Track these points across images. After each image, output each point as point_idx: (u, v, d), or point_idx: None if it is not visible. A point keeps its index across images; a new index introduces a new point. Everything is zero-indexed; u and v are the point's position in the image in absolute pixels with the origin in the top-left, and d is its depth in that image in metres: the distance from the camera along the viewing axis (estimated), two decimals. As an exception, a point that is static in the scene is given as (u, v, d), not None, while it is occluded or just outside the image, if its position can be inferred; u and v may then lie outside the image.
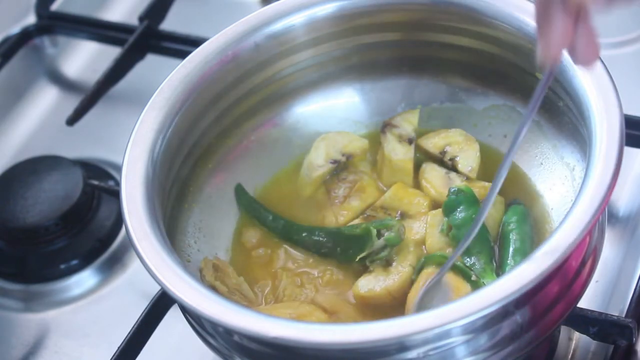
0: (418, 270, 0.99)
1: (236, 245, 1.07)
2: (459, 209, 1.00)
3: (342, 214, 1.05)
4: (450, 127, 1.09)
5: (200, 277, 1.01)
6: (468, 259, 0.98)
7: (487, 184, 1.04)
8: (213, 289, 0.99)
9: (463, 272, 0.97)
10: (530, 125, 0.86)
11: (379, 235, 0.99)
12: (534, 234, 1.00)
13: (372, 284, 0.99)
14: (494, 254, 0.99)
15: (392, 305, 0.98)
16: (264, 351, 0.89)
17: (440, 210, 1.02)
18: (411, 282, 0.98)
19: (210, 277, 1.00)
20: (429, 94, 1.11)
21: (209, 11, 1.48)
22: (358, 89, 1.13)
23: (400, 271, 0.99)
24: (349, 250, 1.01)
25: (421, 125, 1.10)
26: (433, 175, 1.06)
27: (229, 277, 1.01)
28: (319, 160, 1.08)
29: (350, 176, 1.08)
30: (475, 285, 0.96)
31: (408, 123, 1.09)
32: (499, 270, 0.98)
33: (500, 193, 1.03)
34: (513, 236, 0.99)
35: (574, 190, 1.00)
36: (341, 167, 1.08)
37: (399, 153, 1.07)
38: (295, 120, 1.12)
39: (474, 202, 1.00)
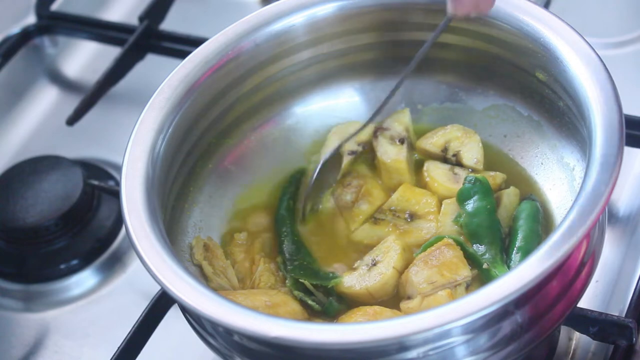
0: (424, 248, 0.99)
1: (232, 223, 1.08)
2: (473, 198, 1.00)
3: (355, 219, 1.05)
4: (450, 128, 1.09)
5: (189, 254, 1.01)
6: (479, 248, 0.98)
7: (493, 173, 1.05)
8: (199, 267, 1.00)
9: (475, 260, 0.97)
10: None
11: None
12: (543, 231, 1.00)
13: (354, 281, 0.99)
14: (504, 245, 0.99)
15: (372, 304, 0.98)
16: (264, 351, 0.89)
17: (454, 199, 1.02)
18: (394, 283, 0.98)
19: (200, 255, 1.01)
20: (429, 94, 1.11)
21: (209, 11, 1.48)
22: (358, 89, 1.13)
23: (382, 272, 0.99)
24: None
25: (420, 124, 1.10)
26: (438, 172, 1.06)
27: (217, 259, 1.02)
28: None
29: (354, 181, 1.08)
30: (487, 274, 0.97)
31: (398, 123, 1.09)
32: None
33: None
34: (520, 233, 0.98)
35: (574, 190, 1.00)
36: (358, 157, 1.09)
37: (391, 155, 1.07)
38: (295, 120, 1.13)
39: (489, 193, 1.01)
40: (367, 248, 1.03)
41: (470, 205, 1.01)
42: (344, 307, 0.99)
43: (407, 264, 0.99)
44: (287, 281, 1.02)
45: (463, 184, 1.02)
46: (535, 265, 0.83)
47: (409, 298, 0.96)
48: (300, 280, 1.01)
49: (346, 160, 1.08)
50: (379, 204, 1.06)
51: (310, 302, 0.99)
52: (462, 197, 1.02)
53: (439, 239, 0.99)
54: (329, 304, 0.99)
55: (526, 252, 0.97)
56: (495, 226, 0.99)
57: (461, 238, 1.00)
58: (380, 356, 0.85)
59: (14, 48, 1.44)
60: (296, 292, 1.00)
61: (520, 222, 0.99)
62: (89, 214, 1.24)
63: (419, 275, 0.96)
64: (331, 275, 1.01)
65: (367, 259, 1.01)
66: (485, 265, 0.97)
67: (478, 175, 1.02)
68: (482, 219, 1.00)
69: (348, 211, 1.06)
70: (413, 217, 1.04)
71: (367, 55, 1.11)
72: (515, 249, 0.98)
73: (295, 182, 1.09)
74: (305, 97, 1.12)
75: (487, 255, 0.98)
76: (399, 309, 0.97)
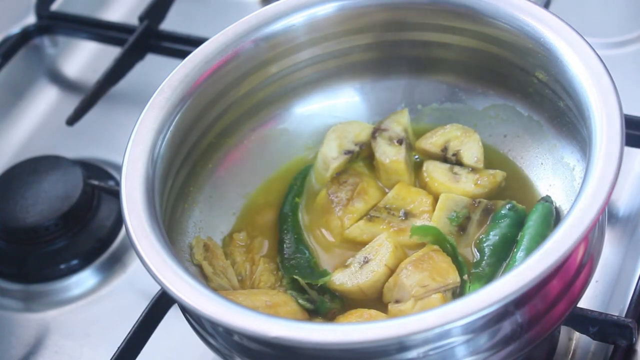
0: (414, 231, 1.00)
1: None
2: (502, 221, 1.00)
3: (348, 217, 1.05)
4: (450, 128, 1.09)
5: (189, 254, 1.02)
6: (478, 255, 0.98)
7: (493, 171, 1.05)
8: (199, 267, 1.01)
9: (459, 268, 0.97)
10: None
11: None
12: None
13: (346, 279, 1.00)
14: (504, 266, 0.99)
15: (364, 301, 0.99)
16: (264, 351, 0.89)
17: (452, 195, 1.02)
18: (386, 281, 0.98)
19: (199, 255, 1.02)
20: (429, 94, 1.11)
21: (209, 11, 1.48)
22: (358, 89, 1.13)
23: (374, 270, 0.99)
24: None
25: (420, 124, 1.10)
26: (437, 172, 1.06)
27: (217, 259, 1.02)
28: (332, 152, 1.08)
29: (351, 179, 1.08)
30: (463, 285, 0.96)
31: (397, 124, 1.09)
32: (508, 266, 0.98)
33: (500, 194, 1.04)
34: (527, 235, 0.98)
35: (574, 190, 1.00)
36: (354, 157, 1.09)
37: (389, 155, 1.07)
38: (295, 120, 1.13)
39: (518, 225, 1.00)
40: (361, 245, 1.03)
41: (495, 225, 1.00)
42: (337, 306, 0.99)
43: (399, 262, 0.99)
44: (283, 280, 1.02)
45: (501, 206, 1.02)
46: (535, 265, 0.83)
47: (397, 302, 0.96)
48: (294, 277, 1.01)
49: (341, 159, 1.08)
50: (374, 203, 1.06)
51: (301, 301, 0.99)
52: (495, 217, 1.01)
53: (432, 229, 0.99)
54: (321, 302, 0.99)
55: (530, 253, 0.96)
56: (503, 254, 0.99)
57: (452, 239, 0.99)
58: (380, 356, 0.85)
59: (14, 48, 1.44)
60: (290, 292, 1.00)
61: (530, 223, 0.99)
62: (89, 214, 1.24)
63: (410, 279, 0.96)
64: (323, 272, 1.01)
65: (359, 256, 1.01)
66: (465, 277, 0.97)
67: (519, 206, 1.01)
68: (497, 242, 0.99)
69: (343, 208, 1.06)
70: (408, 215, 1.04)
71: (367, 55, 1.11)
72: (520, 250, 0.98)
73: (300, 180, 1.09)
74: (305, 97, 1.12)
75: (478, 268, 0.98)
76: (385, 312, 0.97)
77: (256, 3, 1.46)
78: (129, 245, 1.21)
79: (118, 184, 0.96)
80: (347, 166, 1.09)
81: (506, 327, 0.87)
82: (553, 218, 0.99)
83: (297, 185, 1.09)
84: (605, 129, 0.90)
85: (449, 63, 1.09)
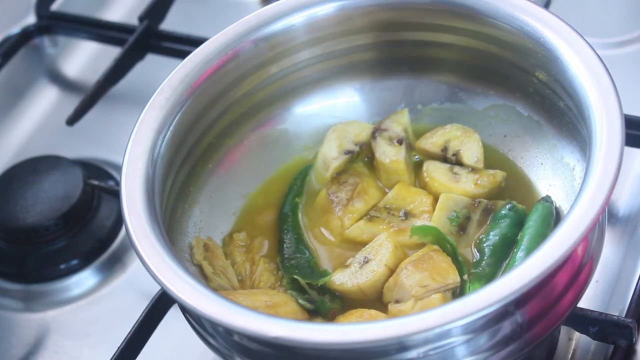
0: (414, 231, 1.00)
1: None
2: (503, 221, 1.00)
3: (348, 217, 1.05)
4: (450, 128, 1.09)
5: (189, 254, 1.02)
6: (478, 255, 0.98)
7: (493, 171, 1.05)
8: (199, 267, 1.01)
9: (459, 268, 0.97)
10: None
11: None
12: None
13: (346, 279, 1.00)
14: (504, 266, 0.99)
15: (364, 301, 0.99)
16: (264, 351, 0.89)
17: (452, 195, 1.02)
18: (386, 281, 0.98)
19: (199, 255, 1.02)
20: (429, 94, 1.11)
21: (209, 11, 1.48)
22: (358, 89, 1.13)
23: (374, 270, 0.99)
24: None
25: (420, 124, 1.10)
26: (437, 172, 1.06)
27: (217, 259, 1.02)
28: (332, 152, 1.08)
29: (351, 179, 1.08)
30: (463, 285, 0.96)
31: (397, 124, 1.09)
32: (508, 266, 0.98)
33: (500, 194, 1.04)
34: (527, 235, 0.98)
35: (574, 190, 1.00)
36: (354, 157, 1.09)
37: (389, 155, 1.07)
38: (295, 120, 1.13)
39: (518, 225, 1.00)
40: (361, 245, 1.03)
41: (495, 225, 1.01)
42: (337, 306, 0.99)
43: (399, 262, 0.99)
44: (283, 280, 1.02)
45: (502, 207, 1.02)
46: (535, 265, 0.83)
47: (397, 302, 0.96)
48: (295, 277, 1.01)
49: (341, 159, 1.08)
50: (374, 203, 1.06)
51: (301, 301, 0.99)
52: (495, 217, 1.02)
53: (432, 229, 0.99)
54: (321, 302, 0.99)
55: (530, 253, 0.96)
56: (502, 254, 0.99)
57: (452, 238, 0.99)
58: (380, 356, 0.85)
59: (14, 48, 1.44)
60: (290, 292, 1.00)
61: (530, 223, 0.99)
62: (89, 214, 1.24)
63: (410, 279, 0.96)
64: (323, 272, 1.01)
65: (359, 256, 1.01)
66: (465, 277, 0.97)
67: (519, 206, 1.01)
68: (497, 242, 0.99)
69: (343, 208, 1.06)
70: (408, 215, 1.04)
71: (367, 55, 1.11)
72: (520, 250, 0.98)
73: (300, 180, 1.09)
74: (305, 97, 1.12)
75: (478, 268, 0.98)
76: (385, 312, 0.97)
77: (256, 3, 1.46)
78: (129, 245, 1.21)
79: (118, 184, 0.96)
80: (347, 166, 1.09)
81: (506, 327, 0.87)
82: (553, 218, 0.99)
83: (297, 185, 1.09)
84: (605, 129, 0.90)
85: (449, 63, 1.09)
